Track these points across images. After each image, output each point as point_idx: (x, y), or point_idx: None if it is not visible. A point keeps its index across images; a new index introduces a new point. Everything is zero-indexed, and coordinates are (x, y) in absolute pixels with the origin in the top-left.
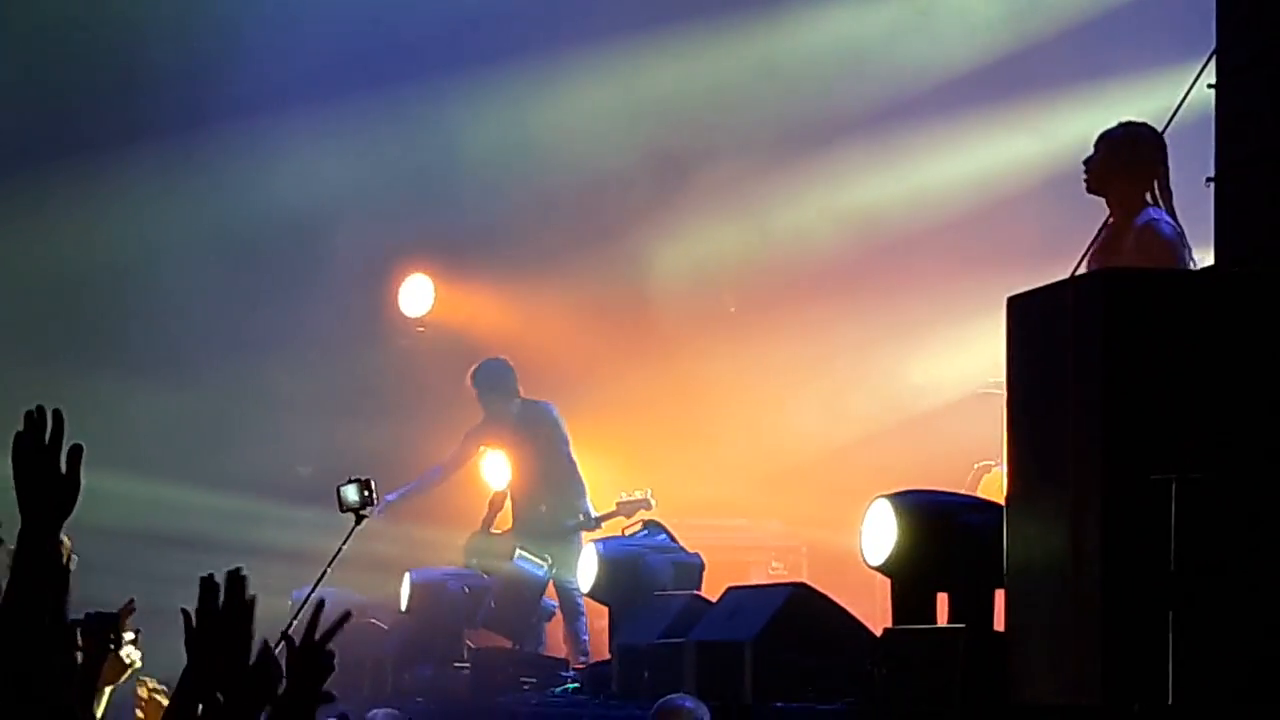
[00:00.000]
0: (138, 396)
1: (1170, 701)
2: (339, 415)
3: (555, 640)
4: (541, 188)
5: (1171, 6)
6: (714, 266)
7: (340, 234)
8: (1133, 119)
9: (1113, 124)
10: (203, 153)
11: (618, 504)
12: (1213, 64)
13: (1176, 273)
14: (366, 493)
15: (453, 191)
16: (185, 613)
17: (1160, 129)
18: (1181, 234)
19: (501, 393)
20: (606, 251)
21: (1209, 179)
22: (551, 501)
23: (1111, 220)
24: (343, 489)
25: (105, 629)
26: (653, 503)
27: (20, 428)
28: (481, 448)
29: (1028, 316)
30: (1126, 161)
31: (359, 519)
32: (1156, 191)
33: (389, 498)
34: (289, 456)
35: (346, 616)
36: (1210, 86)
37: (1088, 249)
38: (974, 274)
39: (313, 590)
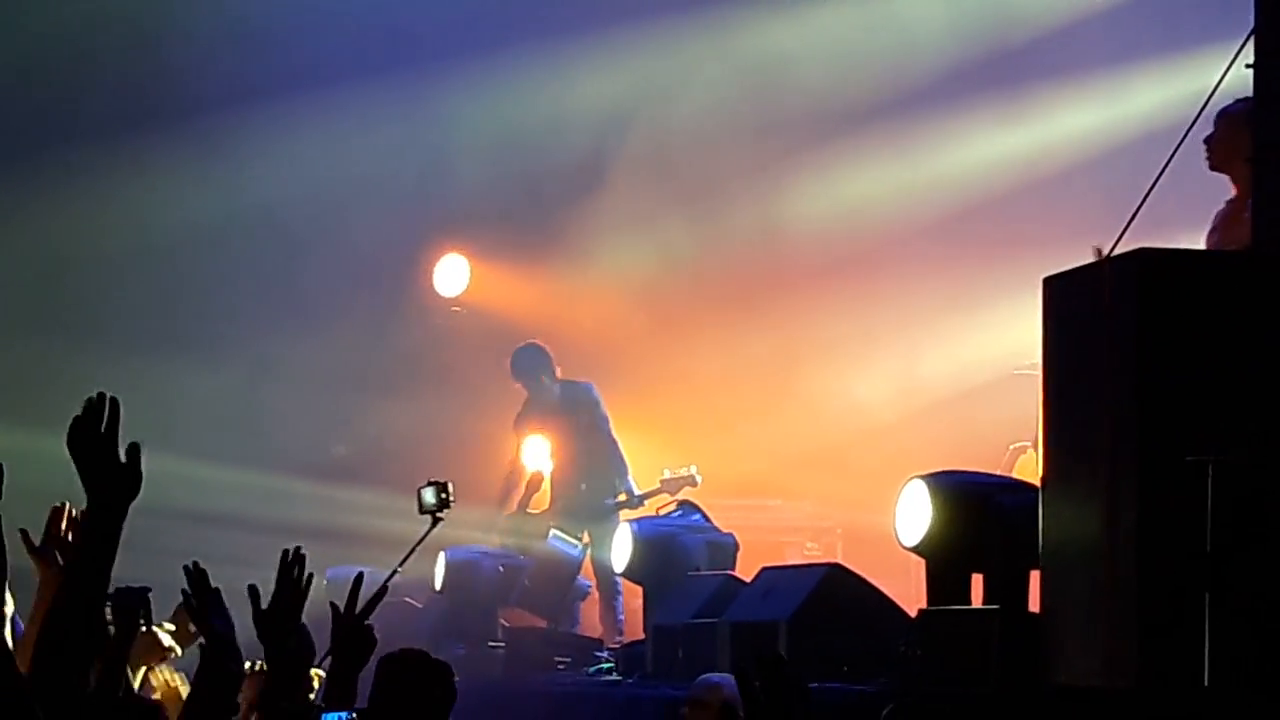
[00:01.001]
0: (174, 376)
1: (1206, 683)
2: (374, 395)
3: (589, 620)
4: (577, 167)
5: None
6: (750, 246)
7: (375, 213)
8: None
9: (1230, 101)
10: (237, 132)
11: (661, 481)
12: (1250, 44)
13: (1212, 254)
14: (444, 495)
15: (488, 170)
16: (254, 590)
17: (1198, 110)
18: None
19: (540, 376)
20: (642, 231)
21: (1247, 160)
22: (591, 481)
23: (1234, 195)
24: (422, 491)
25: (135, 605)
26: (699, 479)
27: (65, 409)
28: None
29: (1063, 297)
30: (1249, 138)
31: (435, 520)
32: None
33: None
34: (324, 436)
35: (383, 592)
36: (1248, 67)
37: (1213, 225)
38: (1012, 254)
39: (388, 580)
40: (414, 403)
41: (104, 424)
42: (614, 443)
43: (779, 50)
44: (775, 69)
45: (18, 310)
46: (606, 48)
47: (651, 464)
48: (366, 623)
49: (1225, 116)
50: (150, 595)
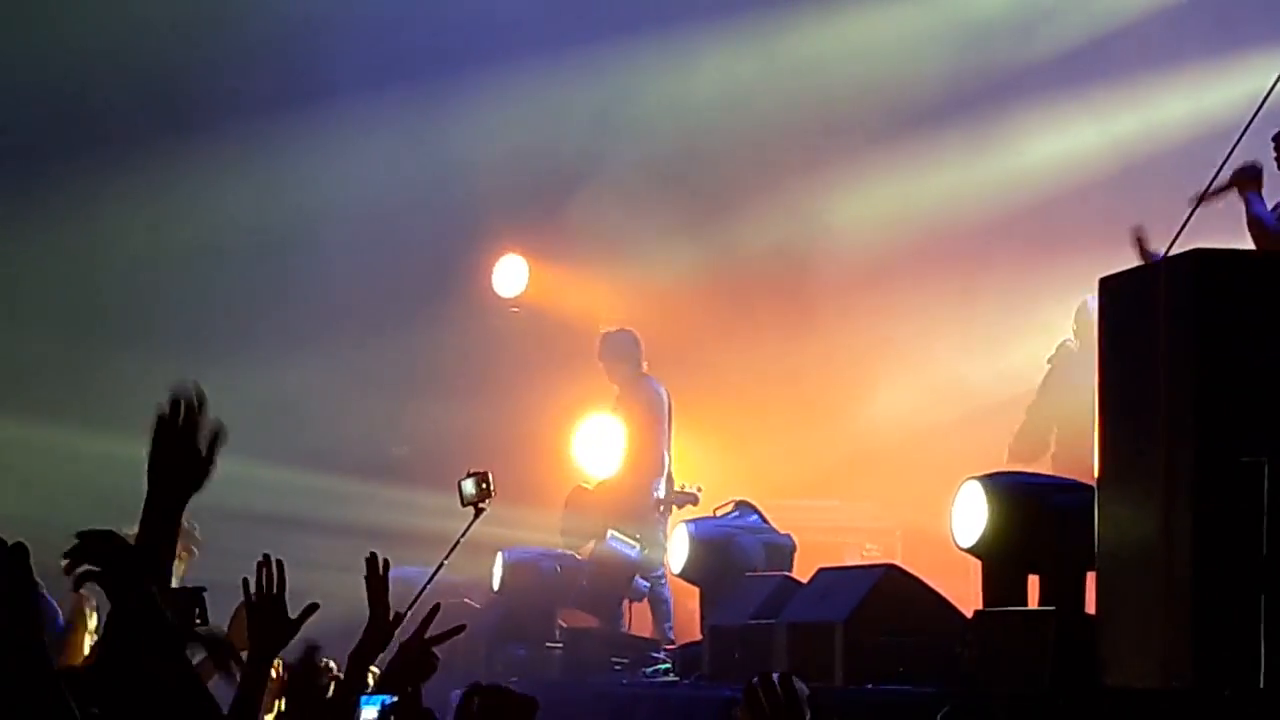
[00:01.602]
0: (234, 377)
1: (1261, 685)
2: (433, 396)
3: (642, 621)
4: (636, 168)
5: None
6: (808, 246)
7: (434, 214)
8: None
9: None
10: (297, 134)
11: (669, 493)
12: None
13: (1268, 254)
14: (484, 485)
15: (548, 171)
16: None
17: (1255, 109)
18: None
19: (622, 362)
20: (701, 233)
21: None
22: (631, 482)
23: None
24: (462, 483)
25: (190, 605)
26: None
27: (125, 411)
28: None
29: (1120, 297)
30: None
31: (478, 512)
32: None
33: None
34: (384, 436)
35: (436, 609)
36: None
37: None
38: (1069, 255)
39: (428, 583)
40: (473, 403)
41: (192, 416)
42: (657, 446)
43: (827, 52)
44: (828, 69)
45: (76, 312)
46: (659, 51)
47: (710, 464)
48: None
49: None
50: (205, 595)
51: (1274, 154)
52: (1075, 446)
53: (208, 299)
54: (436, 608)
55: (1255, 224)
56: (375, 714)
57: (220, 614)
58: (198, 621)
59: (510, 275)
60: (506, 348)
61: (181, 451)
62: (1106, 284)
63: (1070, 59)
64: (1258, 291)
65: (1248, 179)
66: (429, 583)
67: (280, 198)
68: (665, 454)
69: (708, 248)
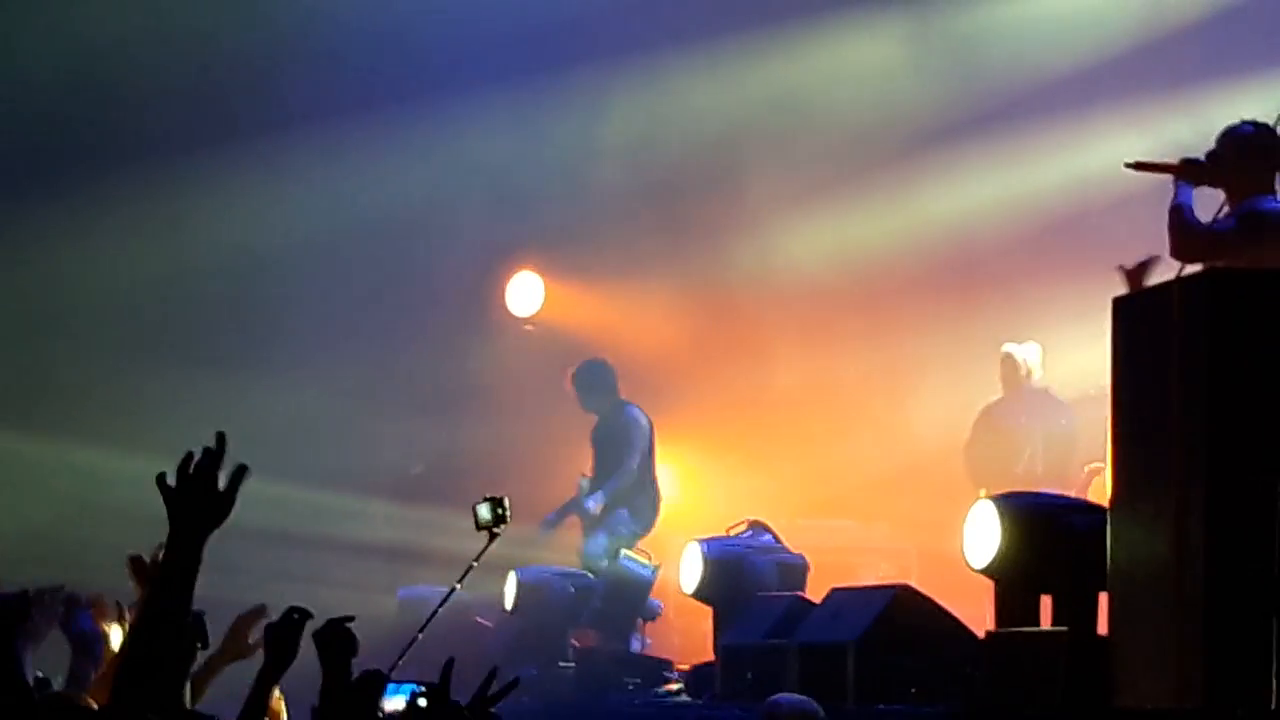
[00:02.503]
0: (251, 395)
1: (1273, 706)
2: (450, 414)
3: (662, 640)
4: (652, 186)
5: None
6: (825, 267)
7: (450, 233)
8: (1257, 119)
9: (1237, 121)
10: (314, 152)
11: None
12: None
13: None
14: (500, 510)
15: (563, 189)
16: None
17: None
18: None
19: (595, 392)
20: (720, 251)
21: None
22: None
23: (1225, 212)
24: (477, 507)
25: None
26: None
27: (146, 428)
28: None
29: (1132, 317)
30: (1252, 159)
31: (492, 536)
32: (1275, 190)
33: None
34: (400, 455)
35: (515, 683)
36: None
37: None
38: (1085, 276)
39: (441, 604)
40: (489, 421)
41: (212, 461)
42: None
43: (854, 68)
44: (852, 86)
45: (97, 328)
46: (677, 64)
47: (724, 483)
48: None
49: (1231, 136)
50: (205, 617)
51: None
52: (997, 480)
53: (223, 318)
54: (494, 672)
55: (1175, 211)
56: (403, 704)
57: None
58: (199, 645)
59: (525, 293)
60: (522, 366)
61: (201, 491)
62: (1120, 303)
63: (1059, 85)
64: (1271, 311)
65: (1191, 172)
66: (441, 605)
67: (296, 216)
68: (647, 477)
69: (721, 270)
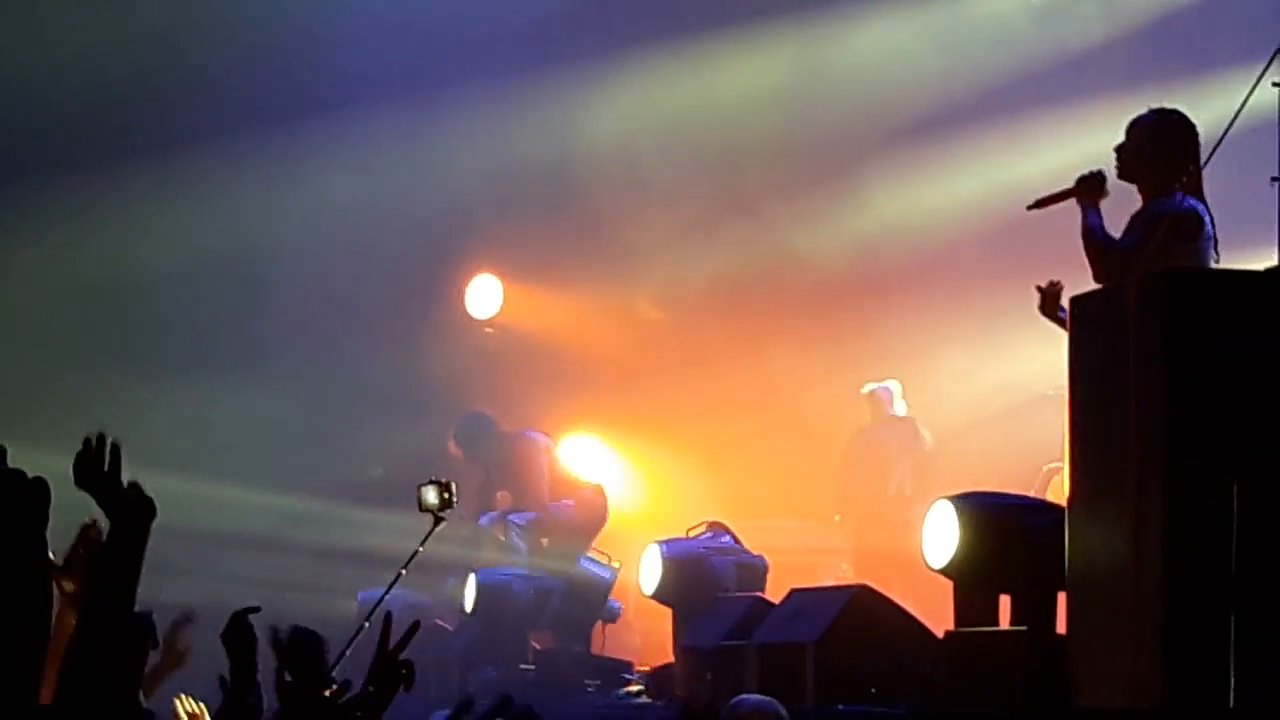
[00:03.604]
0: (210, 399)
1: (1231, 705)
2: (408, 416)
3: (621, 642)
4: (609, 187)
5: (1237, 5)
6: (784, 265)
7: (408, 235)
8: (1165, 106)
9: (1144, 110)
10: (274, 155)
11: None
12: (1277, 63)
13: (1238, 273)
14: (446, 494)
15: (520, 191)
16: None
17: (1224, 129)
18: (1199, 214)
19: (481, 444)
20: (676, 251)
21: (1274, 178)
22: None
23: (1141, 206)
24: (422, 489)
25: (141, 630)
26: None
27: (108, 432)
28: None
29: (1090, 316)
30: (1159, 149)
31: (437, 520)
32: (1185, 180)
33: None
34: (360, 458)
35: (415, 627)
36: (1275, 85)
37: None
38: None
39: (384, 595)
40: (447, 424)
41: (105, 463)
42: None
43: (820, 65)
44: (815, 83)
45: (60, 332)
46: (640, 66)
47: (683, 484)
48: (402, 657)
49: (1137, 126)
50: (154, 618)
51: (1114, 160)
52: (872, 502)
53: (178, 322)
54: (389, 616)
55: (1088, 235)
56: None
57: (199, 636)
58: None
59: (484, 296)
60: (481, 368)
61: (110, 494)
62: (1077, 303)
63: (1076, 67)
64: (1226, 311)
65: (1091, 188)
66: (386, 593)
67: (251, 219)
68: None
69: (682, 269)
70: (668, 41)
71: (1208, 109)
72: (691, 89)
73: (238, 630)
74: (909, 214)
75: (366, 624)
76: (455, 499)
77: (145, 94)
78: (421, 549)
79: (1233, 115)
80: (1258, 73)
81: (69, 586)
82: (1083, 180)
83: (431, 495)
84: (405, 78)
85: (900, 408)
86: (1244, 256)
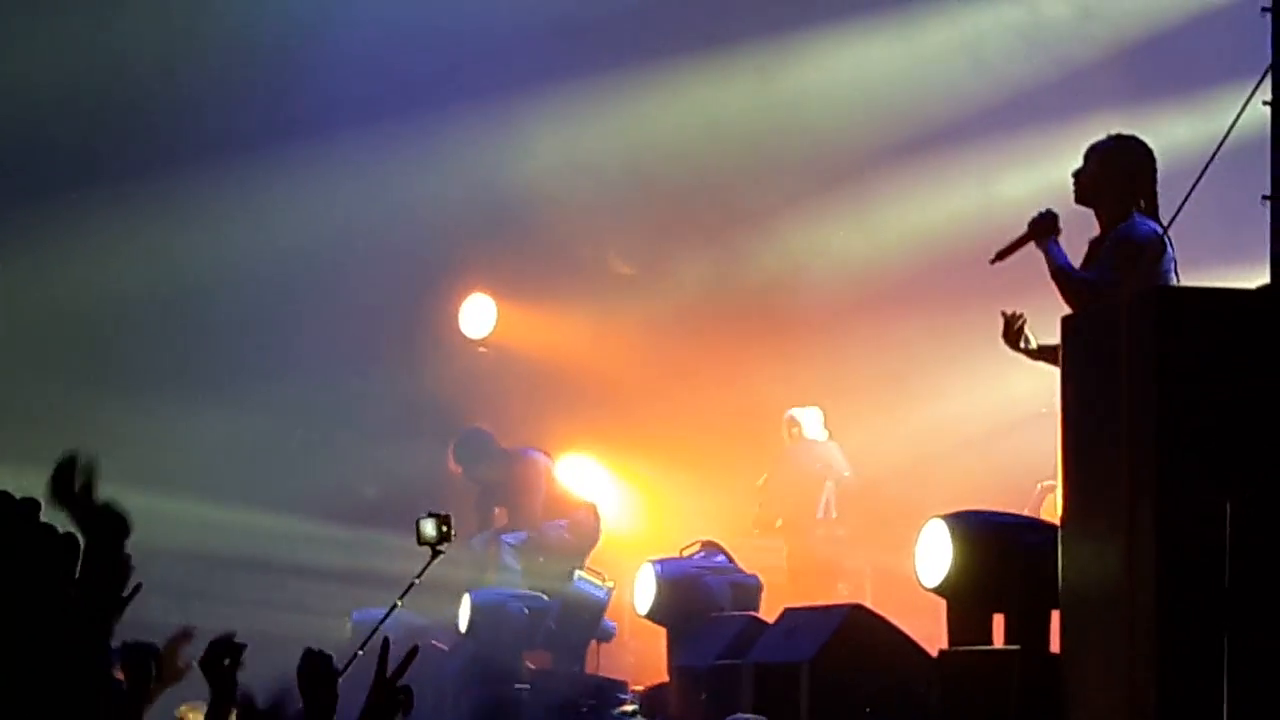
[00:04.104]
0: (200, 418)
1: None
2: (402, 437)
3: (616, 661)
4: (600, 207)
5: (1226, 24)
6: (775, 286)
7: (401, 255)
8: (1122, 132)
9: (1101, 136)
10: (263, 175)
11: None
12: (1268, 81)
13: (1229, 291)
14: (445, 528)
15: (514, 211)
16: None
17: (1215, 147)
18: (1162, 238)
19: (482, 462)
20: (667, 271)
21: (1265, 196)
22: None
23: (1098, 234)
24: (421, 522)
25: (146, 659)
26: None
27: (93, 453)
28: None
29: (1081, 335)
30: (1117, 174)
31: (435, 553)
32: (1143, 204)
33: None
34: (353, 478)
35: (414, 652)
36: (1265, 104)
37: (1081, 266)
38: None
39: (382, 621)
40: (442, 444)
41: (77, 481)
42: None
43: (800, 88)
44: (795, 107)
45: (43, 353)
46: (626, 89)
47: (676, 504)
48: (400, 683)
49: (1094, 151)
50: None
51: (1072, 184)
52: (802, 520)
53: (173, 343)
54: (387, 642)
55: (1060, 274)
56: None
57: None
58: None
59: (478, 316)
60: (475, 388)
61: (84, 513)
62: (1068, 322)
63: (1064, 86)
64: (1218, 330)
65: (1043, 229)
66: (382, 621)
67: (243, 240)
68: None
69: (673, 289)
70: (654, 62)
71: (1198, 128)
72: (678, 109)
73: (218, 656)
74: (904, 232)
75: (361, 651)
76: (454, 532)
77: (127, 118)
78: (418, 581)
79: (1224, 134)
80: (1247, 92)
81: None
82: (1035, 223)
83: (430, 528)
84: (397, 99)
85: (820, 433)
86: (1235, 275)
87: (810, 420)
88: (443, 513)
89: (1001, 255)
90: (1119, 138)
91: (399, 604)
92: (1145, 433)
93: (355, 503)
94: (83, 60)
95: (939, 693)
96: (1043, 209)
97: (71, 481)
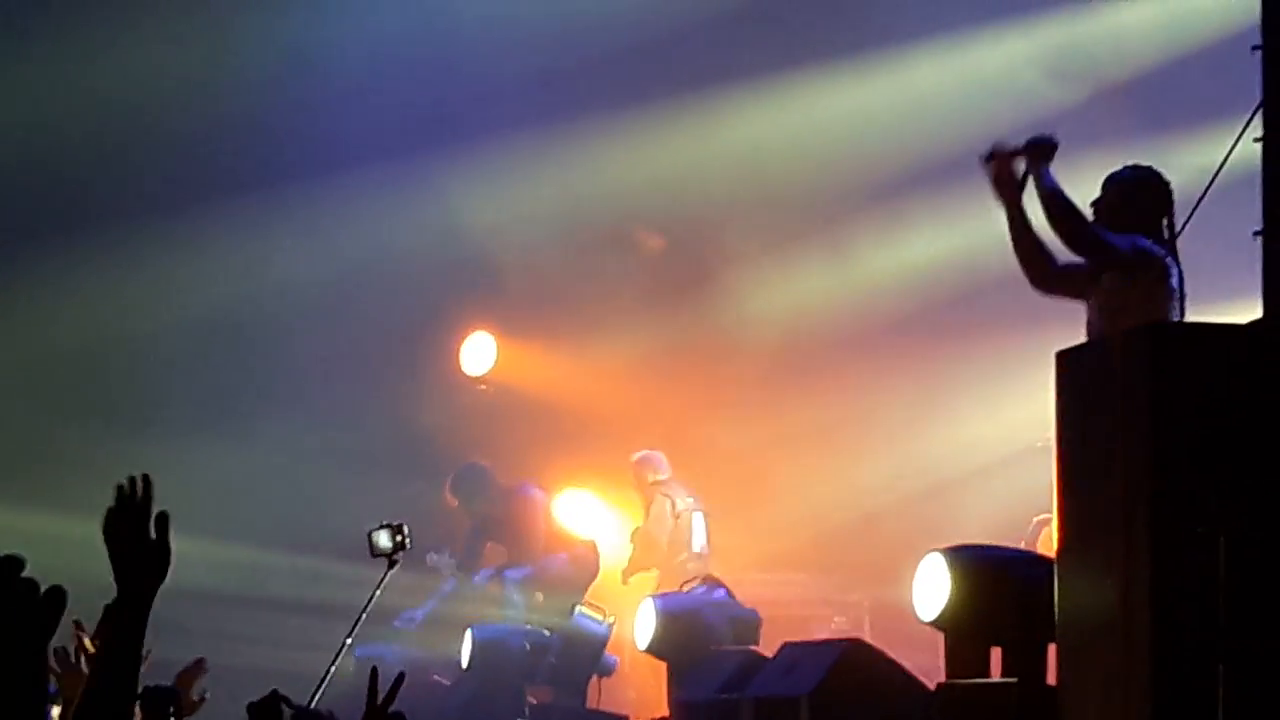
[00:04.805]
0: (202, 455)
1: None
2: (404, 473)
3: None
4: (599, 245)
5: (1216, 61)
6: (772, 324)
7: (404, 293)
8: (1139, 163)
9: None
10: (266, 214)
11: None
12: (1259, 117)
13: (1224, 326)
14: (399, 537)
15: (514, 248)
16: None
17: (1206, 184)
18: (1171, 269)
19: (478, 497)
20: (666, 308)
21: (1256, 232)
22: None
23: (1113, 270)
24: (374, 534)
25: (165, 703)
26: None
27: (98, 494)
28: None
29: (1076, 370)
30: (1134, 205)
31: (391, 564)
32: (1163, 234)
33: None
34: (356, 515)
35: (401, 679)
36: (1256, 140)
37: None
38: (1031, 327)
39: (349, 634)
40: (441, 481)
41: (139, 505)
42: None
43: (794, 129)
44: (792, 147)
45: (42, 391)
46: (632, 125)
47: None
48: (392, 710)
49: (1112, 182)
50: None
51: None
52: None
53: (176, 381)
54: (376, 671)
55: (1050, 196)
56: None
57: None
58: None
59: (478, 353)
60: (475, 425)
61: (135, 544)
62: (1063, 357)
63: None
64: (1212, 364)
65: (1040, 152)
66: (349, 635)
67: (246, 277)
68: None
69: (672, 326)
70: (656, 101)
71: (1190, 164)
72: (679, 148)
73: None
74: (897, 270)
75: (324, 682)
76: (409, 541)
77: (132, 159)
78: (379, 592)
79: (1215, 170)
80: (1238, 129)
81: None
82: (1032, 143)
83: (384, 539)
84: (396, 138)
85: (666, 475)
86: (1228, 310)
87: (654, 462)
88: (395, 523)
89: (991, 158)
90: (1135, 168)
91: (363, 617)
92: (1140, 466)
93: (356, 539)
94: (83, 106)
95: None
96: (1046, 133)
97: (135, 510)
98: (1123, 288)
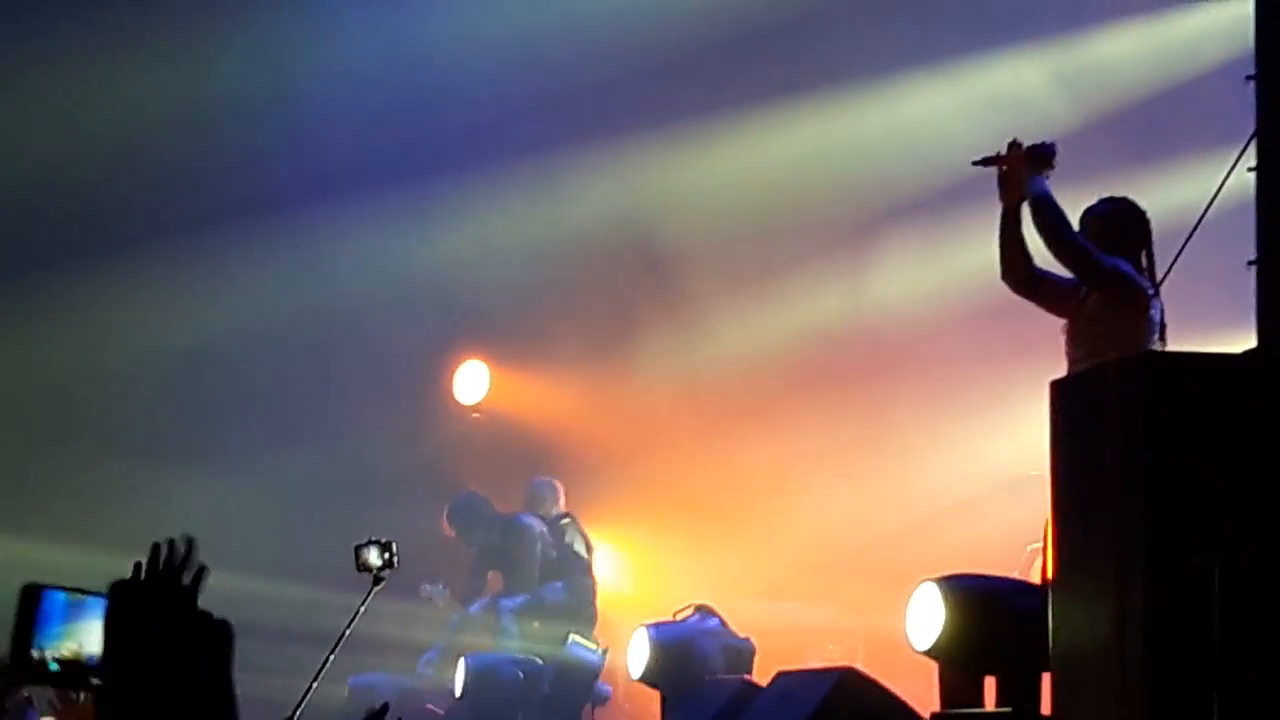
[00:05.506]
0: (196, 487)
1: None
2: (397, 502)
3: None
4: (594, 273)
5: (1210, 92)
6: (767, 352)
7: (395, 322)
8: (1115, 195)
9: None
10: (258, 243)
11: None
12: (1253, 148)
13: (1218, 356)
14: (388, 554)
15: (507, 277)
16: None
17: (1200, 213)
18: (1154, 302)
19: (477, 529)
20: (664, 338)
21: (1250, 262)
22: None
23: (1094, 295)
24: (362, 549)
25: None
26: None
27: (91, 523)
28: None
29: (1070, 399)
30: (1113, 237)
31: (377, 580)
32: (1142, 265)
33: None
34: (349, 543)
35: (385, 708)
36: (1250, 170)
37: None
38: (1025, 356)
39: (331, 650)
40: (436, 509)
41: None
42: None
43: (799, 151)
44: (789, 171)
45: (39, 420)
46: (624, 152)
47: (670, 567)
48: None
49: (1090, 215)
50: None
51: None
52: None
53: (169, 410)
54: (386, 708)
55: (1041, 201)
56: None
57: None
58: None
59: (471, 381)
60: (469, 453)
61: (181, 619)
62: (1057, 386)
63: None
64: (1206, 393)
65: (1039, 160)
66: (330, 656)
67: (243, 306)
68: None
69: (668, 356)
70: (654, 128)
71: (1183, 194)
72: (677, 175)
73: None
74: (901, 294)
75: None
76: (397, 559)
77: (119, 189)
78: (363, 610)
79: (1209, 200)
80: (1232, 158)
81: None
82: (1034, 150)
83: (373, 555)
84: (387, 167)
85: (560, 504)
86: (1222, 339)
87: (554, 491)
88: (384, 540)
89: (985, 162)
90: (1113, 200)
91: (346, 633)
92: (1134, 495)
93: (348, 569)
94: (69, 136)
95: None
96: (1046, 142)
97: (176, 576)
98: (1104, 316)
